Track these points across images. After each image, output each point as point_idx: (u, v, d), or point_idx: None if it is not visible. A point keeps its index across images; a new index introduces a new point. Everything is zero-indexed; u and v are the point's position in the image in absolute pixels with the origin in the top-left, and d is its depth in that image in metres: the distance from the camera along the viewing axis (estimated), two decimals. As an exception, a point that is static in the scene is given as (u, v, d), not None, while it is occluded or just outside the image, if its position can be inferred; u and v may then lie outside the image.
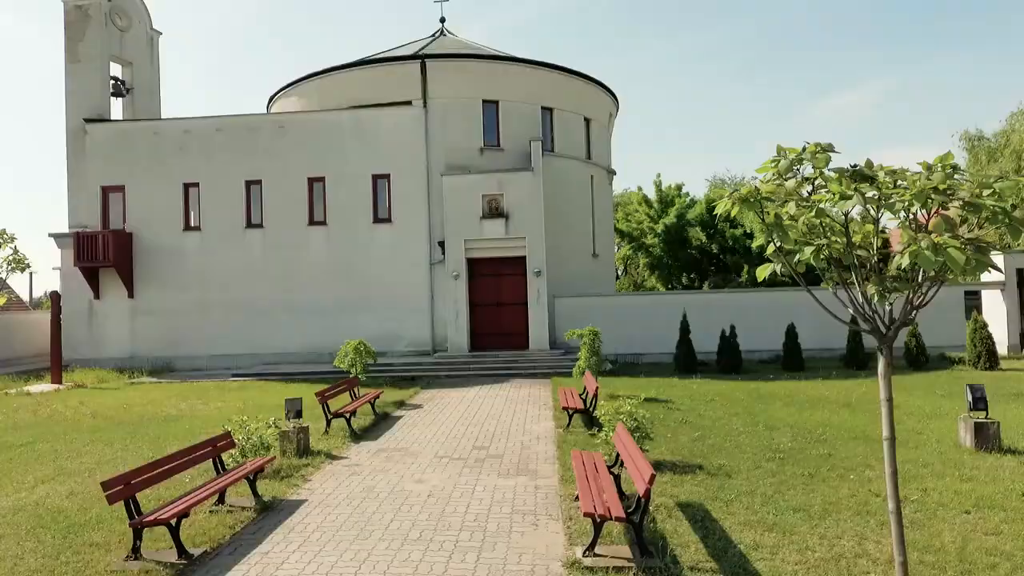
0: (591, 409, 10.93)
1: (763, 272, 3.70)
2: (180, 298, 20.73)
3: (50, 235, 21.17)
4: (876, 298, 3.60)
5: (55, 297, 19.31)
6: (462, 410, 12.82)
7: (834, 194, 3.37)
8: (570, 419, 10.91)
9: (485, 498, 7.28)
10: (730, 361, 17.80)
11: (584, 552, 5.59)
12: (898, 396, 13.24)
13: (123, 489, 5.80)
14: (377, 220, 20.69)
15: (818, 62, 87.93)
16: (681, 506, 6.97)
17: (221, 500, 7.28)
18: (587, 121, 23.94)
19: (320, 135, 20.75)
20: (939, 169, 3.16)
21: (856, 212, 3.44)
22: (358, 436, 10.71)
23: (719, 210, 3.87)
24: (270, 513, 7.03)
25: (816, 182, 3.52)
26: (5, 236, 6.35)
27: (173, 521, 5.79)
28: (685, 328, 18.32)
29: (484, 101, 21.18)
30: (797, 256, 3.56)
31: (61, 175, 21.00)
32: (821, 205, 3.46)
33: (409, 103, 20.68)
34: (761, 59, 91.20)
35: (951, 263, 2.98)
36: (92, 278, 20.67)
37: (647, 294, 24.60)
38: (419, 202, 20.53)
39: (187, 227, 21.01)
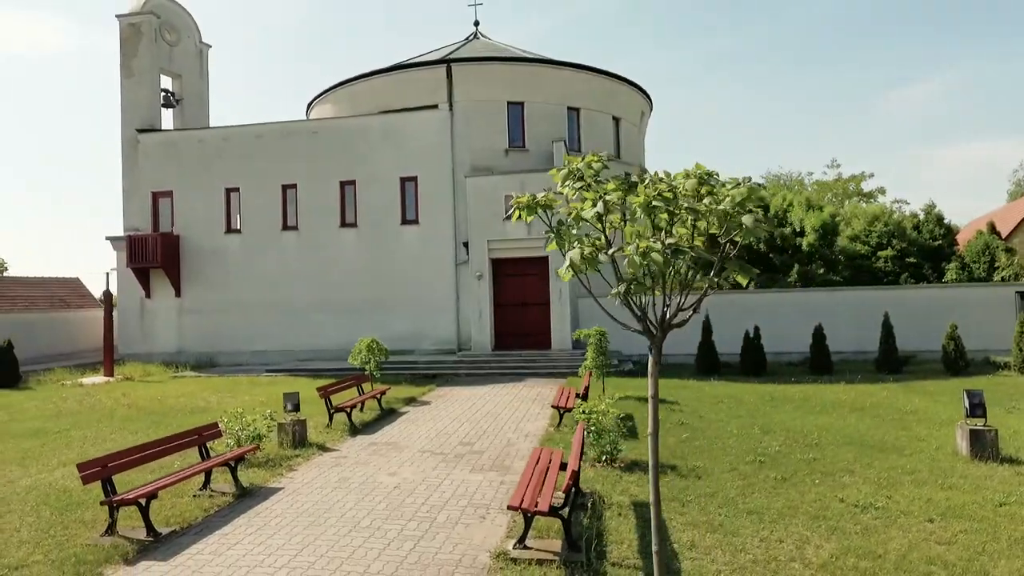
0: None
1: (564, 274, 3.80)
2: (222, 297, 21.87)
3: (106, 238, 22.77)
4: (619, 299, 3.68)
5: (107, 296, 20.74)
6: (466, 407, 13.10)
7: (590, 201, 3.47)
8: (561, 418, 11.02)
9: (447, 491, 7.53)
10: (753, 363, 17.40)
11: (515, 545, 5.77)
12: (921, 401, 12.82)
13: (99, 471, 6.35)
14: (405, 222, 21.24)
15: (886, 53, 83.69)
16: (636, 505, 7.02)
17: (207, 485, 7.80)
18: (616, 120, 23.83)
19: (351, 140, 21.48)
20: (694, 177, 3.23)
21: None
22: (357, 430, 11.14)
23: (514, 218, 3.99)
24: (245, 499, 7.50)
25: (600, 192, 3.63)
26: None
27: (143, 501, 6.30)
28: (707, 329, 18.02)
29: (509, 103, 21.43)
30: (566, 263, 3.66)
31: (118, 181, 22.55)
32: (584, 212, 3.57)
33: (435, 107, 21.14)
34: (822, 51, 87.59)
35: (656, 266, 3.06)
36: (143, 278, 22.10)
37: None
38: (445, 204, 20.96)
39: (228, 230, 22.14)
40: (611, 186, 3.58)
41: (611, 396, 13.61)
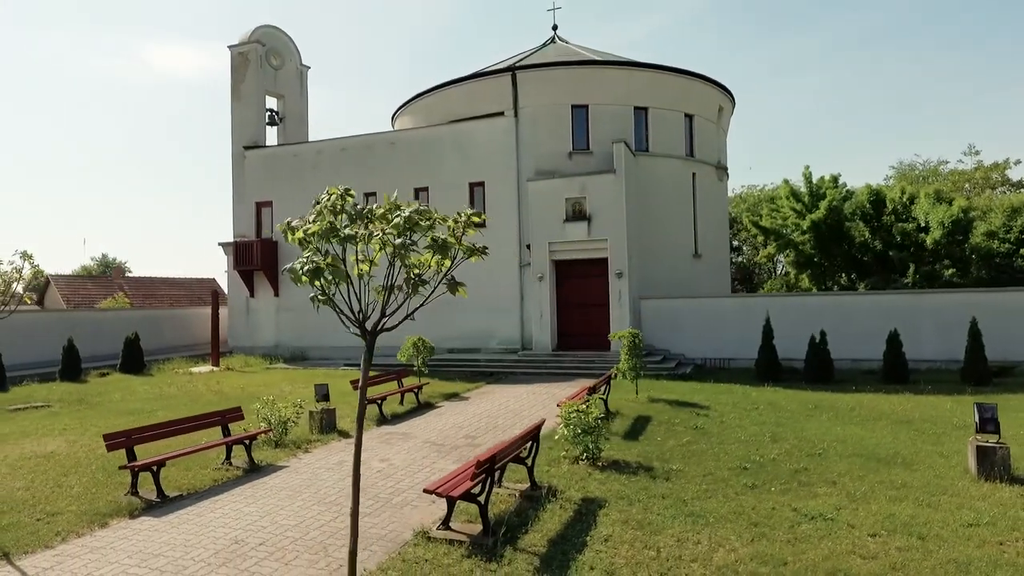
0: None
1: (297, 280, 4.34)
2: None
3: (219, 244, 25.73)
4: (315, 303, 4.11)
5: (214, 296, 23.50)
6: (496, 404, 13.70)
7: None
8: (569, 416, 11.28)
9: (419, 478, 8.19)
10: (818, 369, 16.47)
11: (439, 526, 6.31)
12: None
13: (123, 441, 7.67)
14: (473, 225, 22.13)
15: (1049, 21, 73.22)
16: (585, 500, 7.29)
17: (228, 459, 9.02)
18: (688, 118, 23.32)
19: (425, 149, 22.78)
20: (384, 207, 3.71)
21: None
22: (385, 421, 12.10)
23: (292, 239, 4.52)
24: (253, 474, 8.61)
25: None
26: (27, 254, 8.57)
27: (154, 468, 7.54)
28: (768, 333, 17.29)
29: (574, 106, 21.71)
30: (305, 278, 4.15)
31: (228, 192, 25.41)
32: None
33: (502, 114, 21.89)
34: (962, 28, 78.29)
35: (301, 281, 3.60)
36: (248, 279, 24.77)
37: (738, 296, 23.19)
38: (510, 207, 21.65)
39: (319, 235, 24.21)
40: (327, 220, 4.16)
41: (645, 398, 13.73)
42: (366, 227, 4.20)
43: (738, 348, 19.33)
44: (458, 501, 6.30)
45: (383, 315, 4.39)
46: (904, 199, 37.51)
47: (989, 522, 6.36)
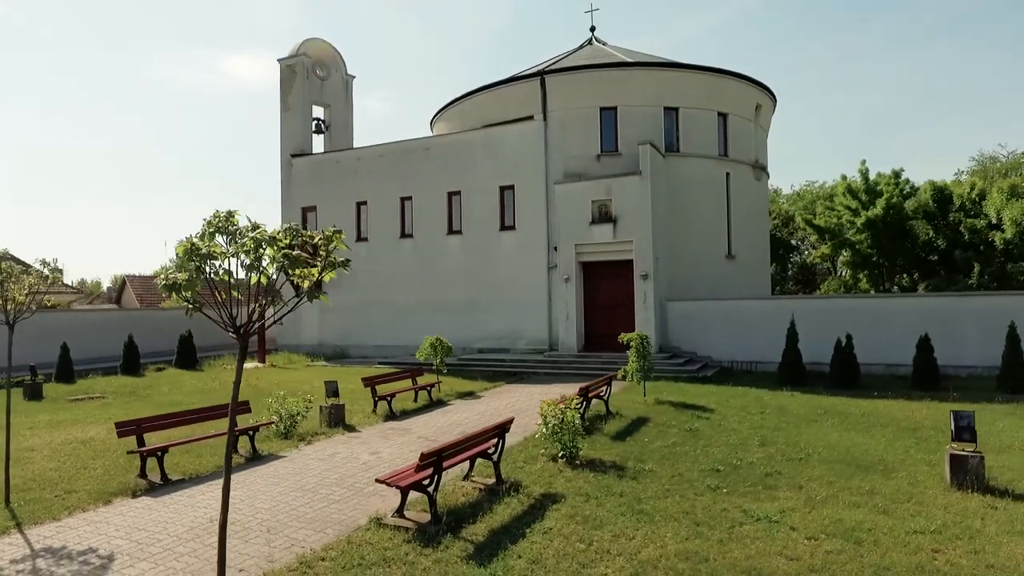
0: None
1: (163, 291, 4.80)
2: (352, 298, 25.05)
3: (268, 247, 27.17)
4: (187, 313, 4.51)
5: (261, 295, 24.84)
6: (505, 403, 14.10)
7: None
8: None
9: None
10: (844, 374, 16.04)
11: (393, 514, 6.79)
12: (1008, 425, 11.22)
13: (133, 429, 8.53)
14: (503, 228, 22.65)
15: None
16: (545, 496, 7.62)
17: (235, 450, 9.81)
18: (722, 116, 23.00)
19: (457, 154, 23.41)
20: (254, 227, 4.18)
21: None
22: (393, 417, 12.72)
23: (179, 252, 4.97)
24: (253, 462, 9.35)
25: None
26: (46, 262, 9.18)
27: (159, 453, 8.36)
28: (793, 336, 16.96)
29: (602, 108, 21.83)
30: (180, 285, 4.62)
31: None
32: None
33: (531, 118, 22.25)
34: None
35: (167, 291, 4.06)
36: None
37: (766, 298, 22.45)
38: (539, 210, 21.99)
39: (359, 238, 25.29)
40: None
41: (652, 400, 13.82)
42: (232, 245, 4.71)
43: (765, 351, 19.00)
44: (412, 491, 6.75)
45: (250, 321, 4.89)
46: (973, 195, 35.51)
47: (936, 530, 6.30)
